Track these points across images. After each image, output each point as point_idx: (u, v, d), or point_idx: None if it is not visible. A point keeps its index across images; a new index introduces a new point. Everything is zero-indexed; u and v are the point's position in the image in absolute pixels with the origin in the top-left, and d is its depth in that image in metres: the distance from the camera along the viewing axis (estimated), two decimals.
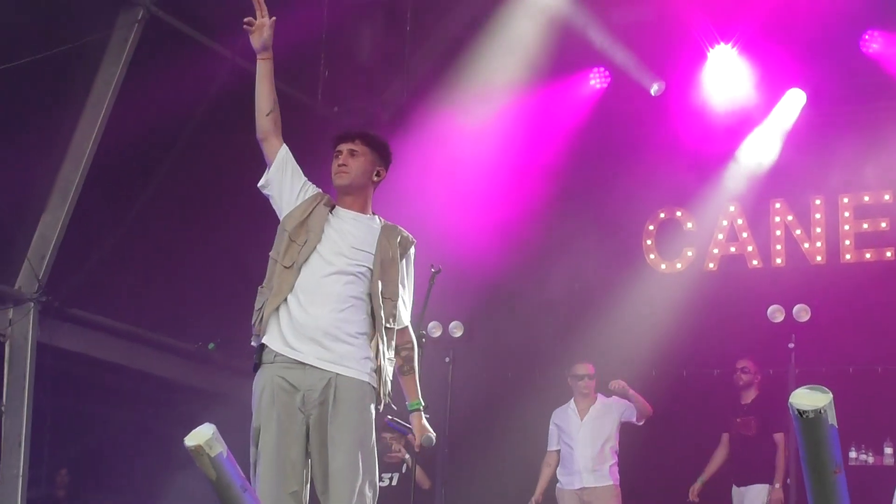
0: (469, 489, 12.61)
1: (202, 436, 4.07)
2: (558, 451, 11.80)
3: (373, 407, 6.37)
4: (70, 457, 14.10)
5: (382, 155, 6.77)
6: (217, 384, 14.26)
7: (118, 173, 12.36)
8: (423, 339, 9.13)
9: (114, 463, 14.60)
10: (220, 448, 4.06)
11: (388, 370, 6.46)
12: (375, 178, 6.74)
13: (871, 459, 11.96)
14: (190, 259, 13.21)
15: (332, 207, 6.60)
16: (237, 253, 13.20)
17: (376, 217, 6.77)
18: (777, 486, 11.50)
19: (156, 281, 13.21)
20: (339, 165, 6.62)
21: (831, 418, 3.33)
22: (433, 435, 6.77)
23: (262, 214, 12.23)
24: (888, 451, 11.95)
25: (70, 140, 12.25)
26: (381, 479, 12.01)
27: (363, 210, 6.72)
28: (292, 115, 13.28)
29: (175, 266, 13.24)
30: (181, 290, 13.16)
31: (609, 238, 13.73)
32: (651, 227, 13.97)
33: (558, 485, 11.74)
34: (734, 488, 11.82)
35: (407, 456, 12.10)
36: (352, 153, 6.64)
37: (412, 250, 6.84)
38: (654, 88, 13.38)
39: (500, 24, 13.08)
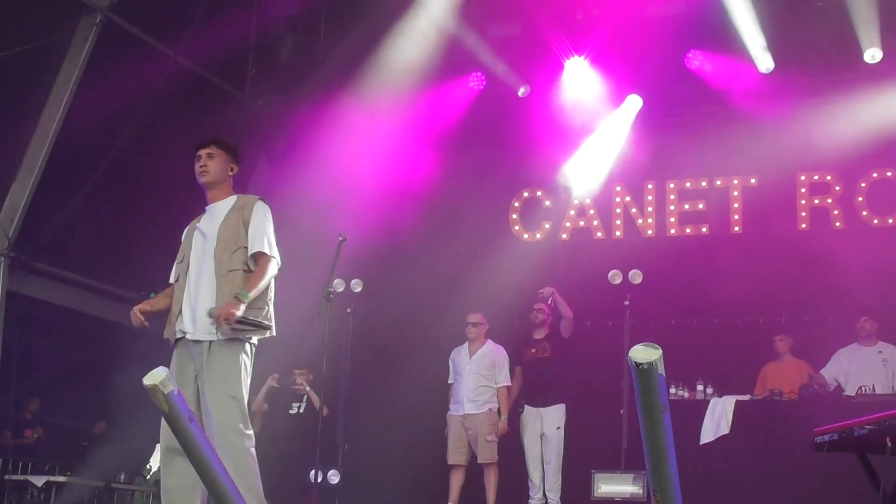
0: (367, 417, 12.58)
1: (157, 376, 4.09)
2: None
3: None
4: (33, 387, 13.97)
5: (233, 154, 6.97)
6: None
7: (78, 151, 12.23)
8: (331, 295, 9.19)
9: (70, 391, 14.46)
10: (171, 387, 4.09)
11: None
12: (231, 173, 6.95)
13: (686, 394, 12.08)
14: (136, 222, 13.12)
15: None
16: (175, 219, 13.13)
17: (234, 197, 6.93)
18: None
19: (107, 240, 13.12)
20: (201, 167, 6.86)
21: (661, 369, 3.41)
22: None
23: (197, 188, 12.24)
24: (699, 387, 12.11)
25: (37, 122, 12.09)
26: (290, 408, 12.17)
27: (225, 197, 6.87)
28: (224, 106, 13.34)
29: (124, 228, 13.15)
30: (127, 247, 13.05)
31: (484, 212, 13.71)
32: (516, 204, 14.03)
33: (449, 411, 11.80)
34: (527, 409, 11.69)
35: (307, 388, 12.18)
36: (209, 156, 6.86)
37: (254, 205, 6.84)
38: (521, 91, 13.45)
39: (397, 34, 13.02)
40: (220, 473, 4.30)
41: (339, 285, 11.87)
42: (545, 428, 11.63)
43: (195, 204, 13.56)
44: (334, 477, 11.71)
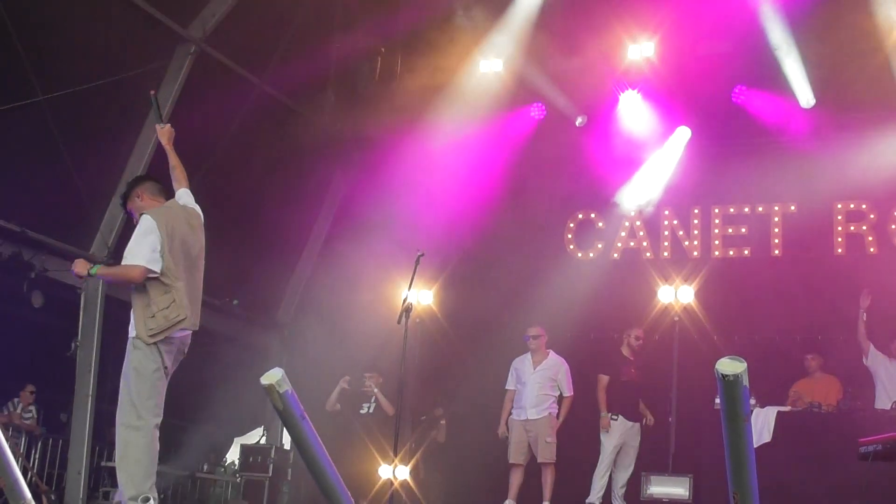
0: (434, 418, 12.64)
1: (273, 377, 4.10)
2: (514, 390, 11.96)
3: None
4: None
5: (129, 193, 7.17)
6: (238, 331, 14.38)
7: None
8: (409, 306, 9.22)
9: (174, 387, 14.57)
10: (286, 386, 4.10)
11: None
12: (138, 199, 7.11)
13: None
14: (220, 238, 13.23)
15: None
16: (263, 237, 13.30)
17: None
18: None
19: None
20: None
21: (745, 381, 3.41)
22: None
23: (279, 203, 12.30)
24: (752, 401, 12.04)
25: (135, 143, 12.28)
26: (361, 408, 12.22)
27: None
28: (304, 131, 13.38)
29: (213, 241, 13.25)
30: (215, 260, 13.16)
31: (541, 232, 13.74)
32: (571, 225, 14.00)
33: (511, 416, 11.86)
34: (621, 419, 11.85)
35: (375, 389, 12.24)
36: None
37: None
38: (579, 121, 13.45)
39: (468, 67, 13.11)
40: (328, 470, 4.31)
41: (415, 297, 11.95)
42: (630, 439, 11.81)
43: (280, 219, 13.73)
44: (403, 473, 11.75)
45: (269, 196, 13.73)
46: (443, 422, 12.81)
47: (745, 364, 3.40)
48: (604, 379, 12.00)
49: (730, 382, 3.41)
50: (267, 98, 13.39)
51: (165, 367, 6.72)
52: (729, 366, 3.42)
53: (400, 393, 9.15)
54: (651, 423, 11.91)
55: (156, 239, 6.69)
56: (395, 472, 9.68)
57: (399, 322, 9.17)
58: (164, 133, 7.37)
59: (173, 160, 7.35)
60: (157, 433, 6.65)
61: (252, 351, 14.88)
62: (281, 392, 4.12)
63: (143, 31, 11.91)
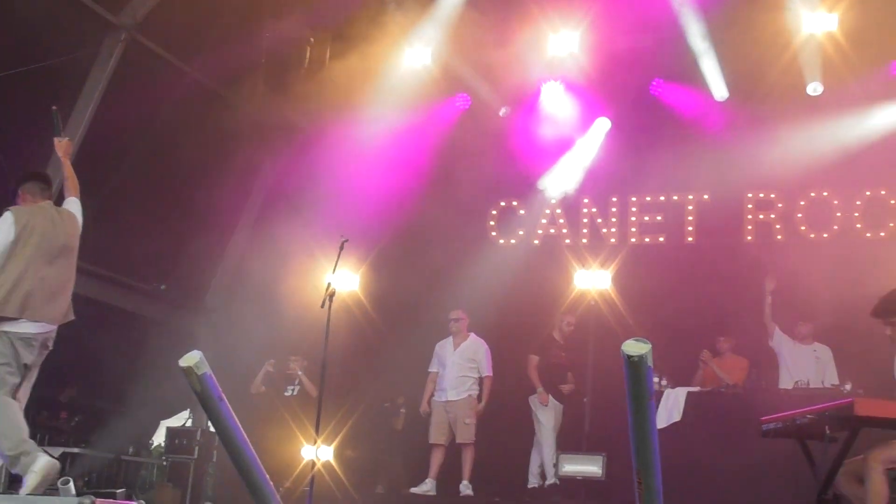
0: (357, 400, 12.60)
1: (192, 359, 4.08)
2: (436, 373, 11.99)
3: None
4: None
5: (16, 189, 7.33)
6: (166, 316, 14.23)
7: (100, 156, 12.19)
8: (332, 291, 9.19)
9: (86, 373, 14.39)
10: (204, 368, 4.08)
11: None
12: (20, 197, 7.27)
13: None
14: (151, 224, 13.12)
15: None
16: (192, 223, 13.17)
17: None
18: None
19: (125, 237, 13.07)
20: None
21: (649, 361, 3.45)
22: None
23: (208, 189, 12.18)
24: (655, 379, 12.05)
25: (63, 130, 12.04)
26: (285, 390, 12.18)
27: None
28: (233, 118, 13.25)
29: (140, 227, 13.12)
30: (142, 244, 13.04)
31: (465, 219, 13.72)
32: (494, 212, 14.08)
33: (433, 397, 11.89)
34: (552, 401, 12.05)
35: (299, 371, 12.20)
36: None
37: None
38: (502, 111, 13.47)
39: (394, 58, 13.05)
40: (245, 450, 4.29)
41: (338, 281, 11.91)
42: (557, 419, 11.96)
43: (210, 205, 13.56)
44: (327, 453, 11.73)
45: (199, 182, 13.58)
46: (403, 410, 12.81)
47: (650, 345, 3.44)
48: (534, 359, 12.13)
49: (634, 363, 3.44)
50: (197, 86, 13.22)
51: (20, 364, 6.75)
52: (634, 347, 3.45)
53: (322, 375, 9.11)
54: (567, 392, 12.03)
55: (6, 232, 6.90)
56: (317, 453, 9.67)
57: (322, 306, 9.15)
58: (61, 146, 7.66)
59: (67, 171, 7.59)
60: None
61: (180, 335, 14.71)
62: (199, 374, 4.11)
63: (74, 18, 11.69)
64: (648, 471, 3.67)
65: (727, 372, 11.94)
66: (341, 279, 11.67)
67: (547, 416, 11.99)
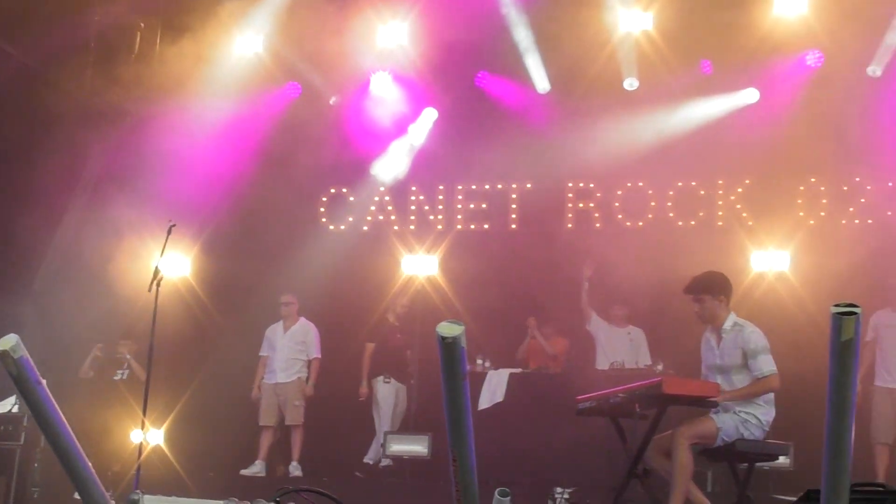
0: (187, 383, 12.39)
1: (7, 343, 3.93)
2: (267, 356, 11.89)
3: None
4: None
5: None
6: None
7: None
8: (160, 274, 9.03)
9: None
10: (21, 352, 3.94)
11: None
12: None
13: (468, 367, 12.26)
14: None
15: None
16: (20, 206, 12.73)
17: None
18: None
19: None
20: None
21: (463, 343, 3.49)
22: None
23: (33, 171, 11.75)
24: (479, 361, 12.31)
25: None
26: (115, 374, 11.90)
27: None
28: (62, 102, 12.78)
29: None
30: None
31: (296, 205, 13.55)
32: (325, 199, 13.97)
33: (263, 380, 11.81)
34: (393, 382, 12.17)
35: (128, 356, 11.95)
36: None
37: None
38: (332, 100, 13.35)
39: (227, 45, 12.82)
40: (64, 434, 4.17)
41: (167, 265, 11.68)
42: (400, 400, 12.08)
43: (38, 189, 13.07)
44: (156, 437, 11.53)
45: (27, 167, 13.05)
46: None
47: (463, 327, 3.48)
48: (370, 347, 12.19)
49: (449, 344, 3.47)
50: (24, 69, 12.69)
51: None
52: (448, 328, 3.48)
53: (149, 359, 8.94)
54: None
55: None
56: (145, 436, 9.50)
57: (150, 290, 8.98)
58: None
59: None
60: None
61: (7, 319, 14.15)
62: (15, 358, 3.96)
63: None
64: (463, 449, 3.71)
65: (547, 354, 12.25)
66: (170, 263, 11.45)
67: (385, 398, 12.03)
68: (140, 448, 9.41)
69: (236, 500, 4.78)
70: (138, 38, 12.87)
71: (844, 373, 3.32)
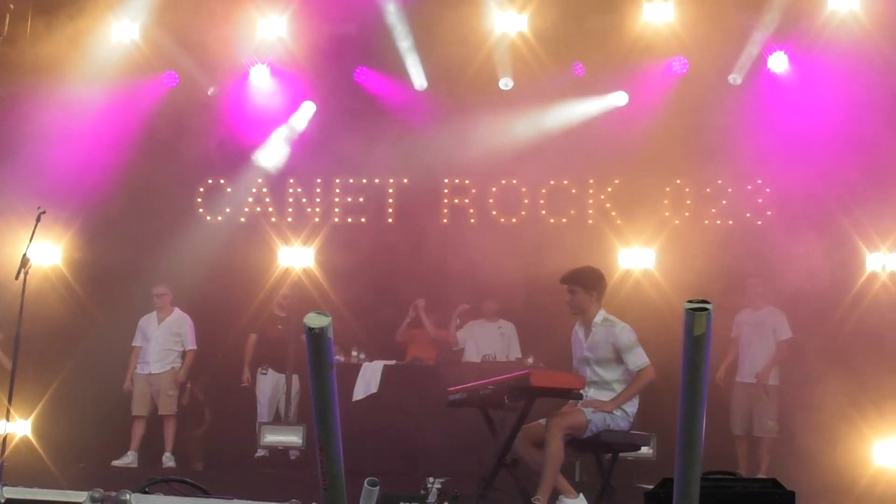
0: (57, 373, 12.07)
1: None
2: (140, 347, 11.68)
3: None
4: None
5: None
6: None
7: None
8: (28, 262, 8.78)
9: None
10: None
11: None
12: None
13: (342, 359, 12.18)
14: None
15: None
16: None
17: None
18: None
19: None
20: None
21: (330, 333, 3.46)
22: None
23: None
24: (354, 353, 12.26)
25: None
26: None
27: None
28: None
29: None
30: None
31: (173, 195, 13.30)
32: (202, 189, 13.73)
33: (136, 370, 11.61)
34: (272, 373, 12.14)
35: None
36: None
37: None
38: (211, 91, 13.08)
39: (102, 31, 12.48)
40: None
41: (36, 253, 11.36)
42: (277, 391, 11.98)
43: None
44: (24, 428, 11.22)
45: None
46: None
47: (330, 318, 3.45)
48: (252, 337, 12.17)
49: (316, 334, 3.44)
50: None
51: None
52: (315, 319, 3.45)
53: (15, 348, 8.69)
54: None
55: None
56: (10, 427, 9.23)
57: (17, 278, 8.73)
58: None
59: None
60: None
61: None
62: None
63: None
64: (330, 440, 3.68)
65: (422, 344, 12.29)
66: (40, 251, 11.15)
67: (262, 390, 11.98)
68: (4, 439, 9.14)
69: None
70: (7, 19, 12.43)
71: (696, 367, 3.39)
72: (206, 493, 4.85)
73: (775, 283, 11.54)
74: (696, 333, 3.33)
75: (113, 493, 4.34)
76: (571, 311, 8.09)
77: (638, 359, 7.74)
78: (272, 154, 13.38)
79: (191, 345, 11.63)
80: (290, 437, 11.23)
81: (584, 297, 7.95)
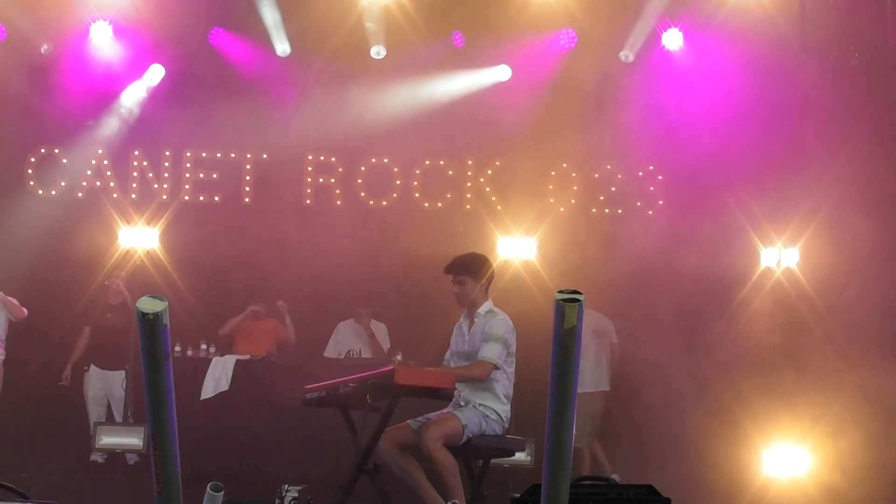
0: None
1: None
2: None
3: None
4: None
5: None
6: None
7: None
8: None
9: None
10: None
11: None
12: None
13: (190, 353, 12.10)
14: None
15: None
16: None
17: None
18: None
19: None
20: None
21: (166, 320, 3.43)
22: None
23: None
24: (203, 346, 12.14)
25: None
26: None
27: None
28: None
29: None
30: None
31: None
32: (33, 160, 13.35)
33: None
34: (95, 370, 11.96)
35: None
36: None
37: None
38: (44, 48, 12.60)
39: None
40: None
41: None
42: (113, 389, 11.89)
43: None
44: None
45: None
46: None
47: (166, 303, 3.42)
48: (86, 331, 11.98)
49: (150, 321, 3.40)
50: None
51: None
52: (149, 304, 3.41)
53: None
54: None
55: None
56: None
57: None
58: None
59: None
60: None
61: None
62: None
63: None
64: (164, 436, 3.65)
65: (264, 338, 12.29)
66: None
67: (88, 388, 11.80)
68: None
69: None
70: None
71: (567, 362, 3.44)
72: (24, 498, 4.76)
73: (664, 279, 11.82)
74: (566, 326, 3.38)
75: None
76: (460, 303, 7.92)
77: (489, 352, 7.59)
78: (114, 122, 13.09)
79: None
80: (129, 440, 11.09)
81: (473, 288, 7.81)
